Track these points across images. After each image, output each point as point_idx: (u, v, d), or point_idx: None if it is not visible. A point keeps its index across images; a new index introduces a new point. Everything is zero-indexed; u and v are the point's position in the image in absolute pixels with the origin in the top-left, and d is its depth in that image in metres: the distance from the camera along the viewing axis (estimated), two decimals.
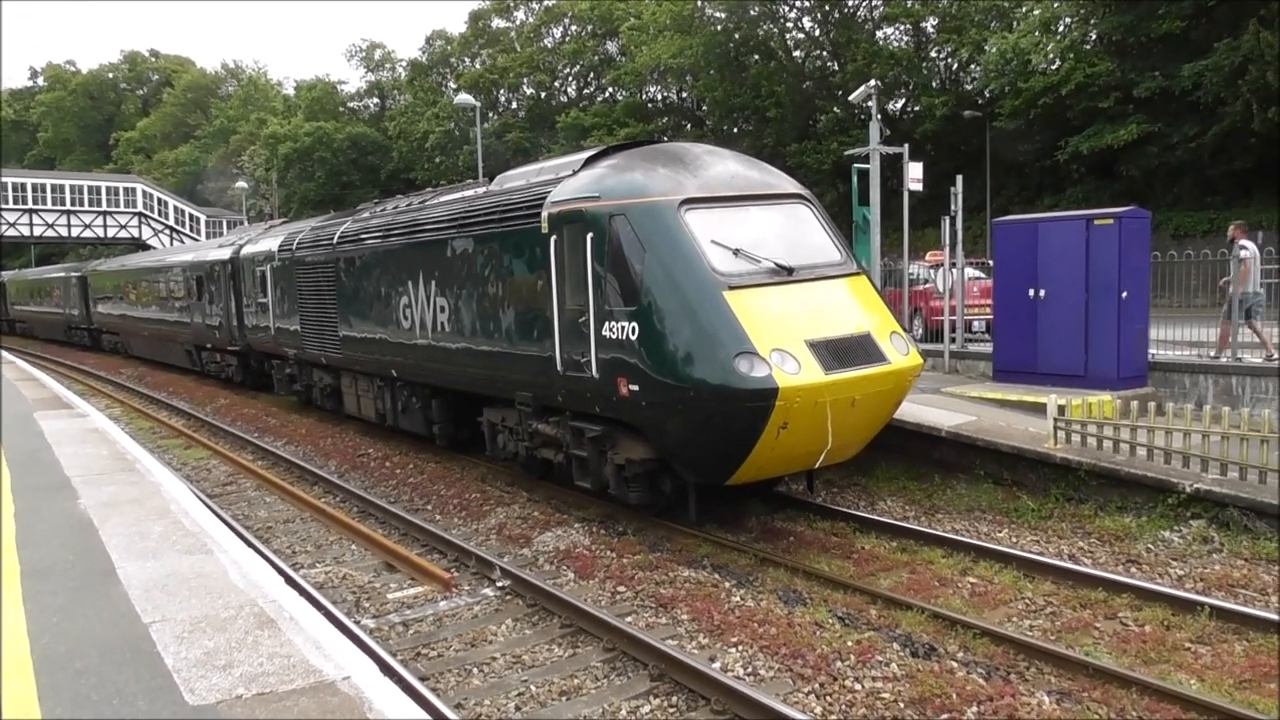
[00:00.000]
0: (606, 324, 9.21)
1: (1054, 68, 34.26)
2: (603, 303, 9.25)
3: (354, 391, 16.51)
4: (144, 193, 64.75)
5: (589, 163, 10.44)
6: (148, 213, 63.97)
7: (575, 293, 9.71)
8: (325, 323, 16.58)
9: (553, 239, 10.01)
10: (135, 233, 63.33)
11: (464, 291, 12.00)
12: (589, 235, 9.39)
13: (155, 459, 12.68)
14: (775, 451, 8.70)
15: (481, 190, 12.56)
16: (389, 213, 14.98)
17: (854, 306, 9.31)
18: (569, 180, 10.27)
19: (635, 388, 8.92)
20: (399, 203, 15.52)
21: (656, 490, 9.88)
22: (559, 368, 10.04)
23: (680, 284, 8.70)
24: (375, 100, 72.44)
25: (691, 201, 9.10)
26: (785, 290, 8.93)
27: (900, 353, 9.15)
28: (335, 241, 16.03)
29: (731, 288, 8.62)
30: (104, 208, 62.77)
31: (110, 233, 63.57)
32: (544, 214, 10.17)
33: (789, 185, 10.25)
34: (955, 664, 6.65)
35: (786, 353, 8.38)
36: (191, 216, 66.60)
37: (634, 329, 8.89)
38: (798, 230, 9.61)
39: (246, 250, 21.24)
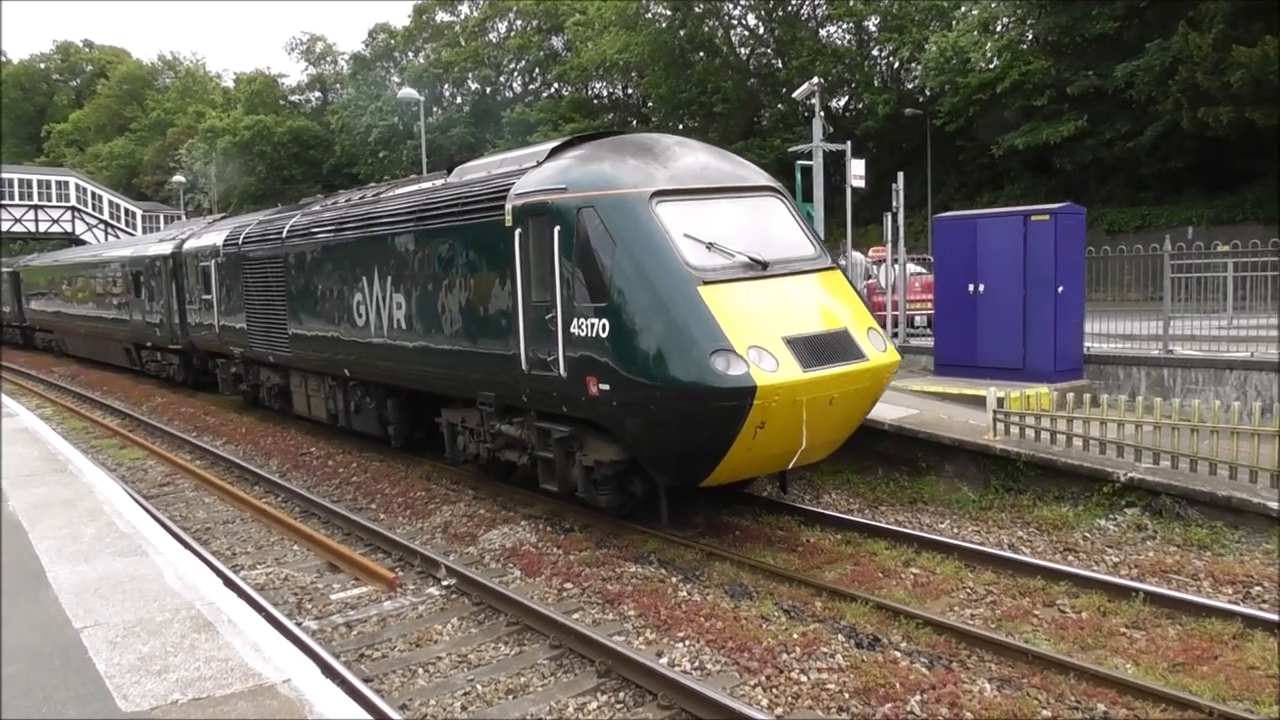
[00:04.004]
0: (575, 321, 8.88)
1: (991, 66, 34.89)
2: (571, 299, 8.93)
3: (304, 391, 15.99)
4: (77, 186, 62.99)
5: (554, 153, 10.07)
6: (81, 207, 62.21)
7: (541, 288, 9.35)
8: (274, 320, 16.08)
9: (517, 233, 9.65)
10: (68, 227, 61.56)
11: (422, 288, 11.56)
12: (556, 228, 9.05)
13: (88, 459, 12.37)
14: (752, 452, 8.45)
15: (440, 182, 12.12)
16: (341, 206, 14.47)
17: (830, 302, 9.07)
18: (533, 172, 9.89)
19: (605, 387, 8.61)
20: (352, 196, 15.05)
21: (626, 493, 9.57)
22: (524, 366, 9.68)
23: (653, 279, 8.39)
24: (317, 94, 71.46)
25: (662, 193, 8.78)
26: (760, 285, 8.65)
27: (878, 349, 8.95)
28: (284, 236, 15.51)
29: (706, 282, 8.32)
30: (35, 201, 60.89)
31: (42, 227, 61.68)
32: (507, 207, 9.81)
33: (760, 177, 9.99)
34: (899, 654, 6.72)
35: (764, 350, 8.12)
36: (127, 211, 64.95)
37: (604, 326, 8.57)
38: (770, 223, 9.36)
39: (189, 245, 20.59)
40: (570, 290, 8.95)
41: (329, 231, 14.15)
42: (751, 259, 8.72)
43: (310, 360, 15.22)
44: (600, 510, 9.92)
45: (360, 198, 14.34)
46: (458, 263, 10.88)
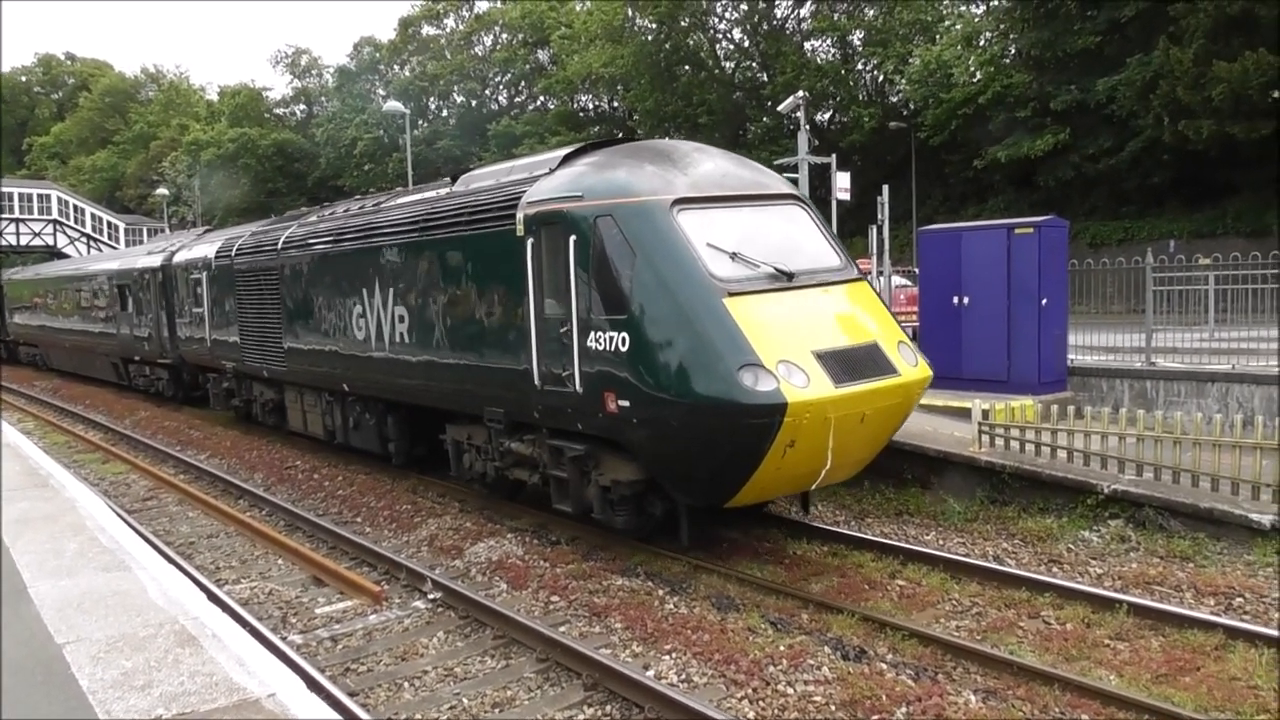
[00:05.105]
0: (592, 334, 8.54)
1: (974, 80, 35.18)
2: (587, 311, 8.58)
3: (299, 407, 15.55)
4: (59, 199, 62.52)
5: (566, 160, 9.73)
6: (63, 220, 61.82)
7: (555, 300, 9.02)
8: (268, 334, 15.66)
9: (529, 243, 9.29)
10: (50, 240, 61.19)
11: (427, 300, 11.18)
12: (571, 238, 8.71)
13: (70, 474, 12.26)
14: (780, 471, 8.11)
15: (444, 191, 11.72)
16: (340, 216, 14.10)
17: (859, 314, 8.77)
18: (546, 179, 9.55)
19: (625, 403, 8.25)
20: (350, 206, 14.66)
21: (644, 514, 9.21)
22: (536, 381, 9.32)
23: (675, 290, 8.04)
24: (302, 107, 71.40)
25: (683, 201, 8.45)
26: (787, 297, 8.33)
27: (909, 364, 8.62)
28: (280, 247, 15.05)
29: (731, 294, 7.96)
30: (16, 215, 60.47)
31: (23, 240, 61.26)
32: (519, 215, 9.44)
33: (782, 185, 9.71)
34: (885, 666, 6.74)
35: (793, 364, 7.76)
36: (110, 224, 64.43)
37: (624, 339, 8.22)
38: (794, 233, 9.04)
39: (180, 257, 20.29)
40: (587, 302, 8.61)
41: (327, 242, 13.72)
42: (777, 270, 8.39)
43: (307, 375, 14.80)
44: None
45: (359, 208, 13.91)
46: (465, 273, 10.51)
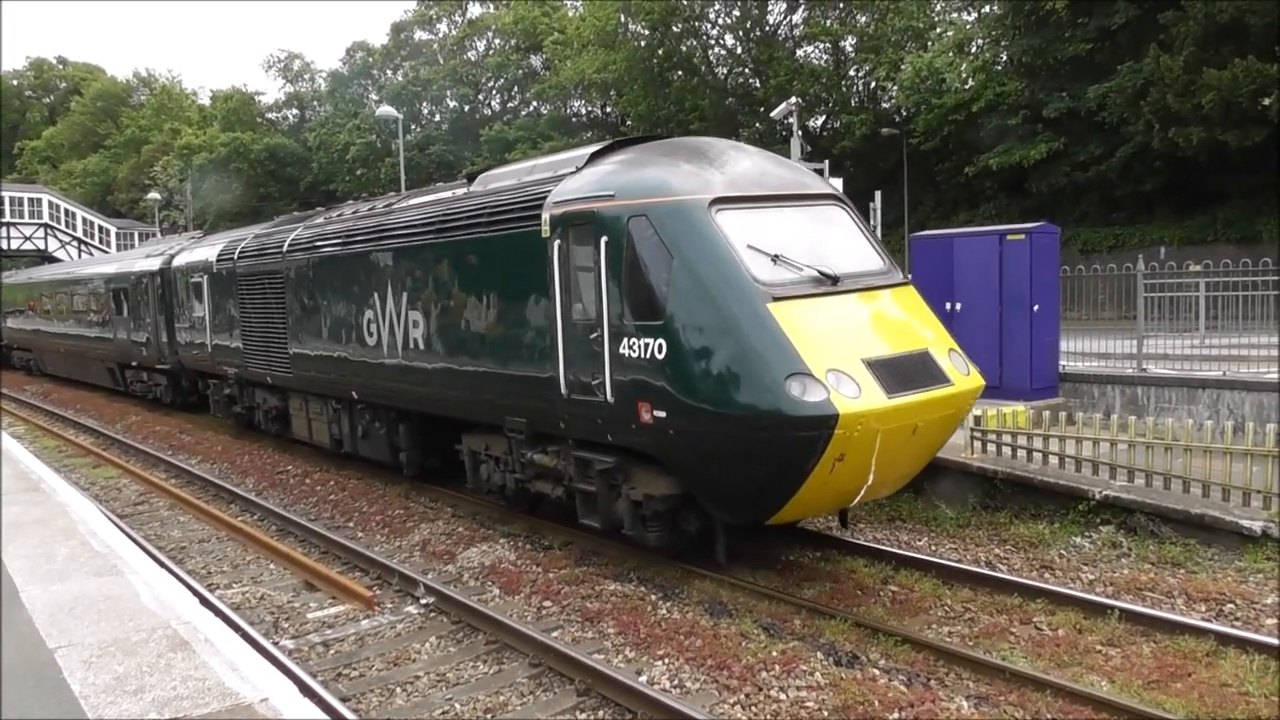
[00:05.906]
0: (625, 341, 8.13)
1: (966, 86, 35.31)
2: (619, 316, 8.19)
3: (305, 415, 15.06)
4: (50, 203, 62.41)
5: (594, 158, 9.37)
6: (54, 224, 61.70)
7: (584, 305, 8.63)
8: (272, 339, 15.23)
9: (555, 244, 8.90)
10: (41, 245, 61.03)
11: (443, 304, 10.77)
12: (602, 239, 8.33)
13: (61, 478, 12.24)
14: (827, 487, 7.69)
15: (462, 191, 11.33)
16: (349, 218, 13.68)
17: (908, 320, 8.40)
18: (572, 178, 9.17)
19: (661, 414, 7.86)
20: (359, 207, 14.30)
21: (678, 530, 8.82)
22: (563, 390, 8.91)
23: (716, 295, 7.66)
24: (294, 111, 71.29)
25: (722, 201, 8.04)
26: (832, 302, 7.92)
27: (961, 372, 8.22)
28: (285, 250, 14.65)
29: (775, 299, 7.57)
30: (7, 219, 60.33)
31: (14, 244, 61.15)
32: (544, 216, 9.04)
33: (821, 185, 9.41)
34: (877, 671, 6.75)
35: (843, 373, 7.34)
36: (101, 228, 64.39)
37: (660, 347, 7.83)
38: (836, 235, 8.65)
39: (179, 260, 19.95)
40: (619, 307, 8.22)
41: (336, 245, 13.30)
42: (821, 273, 7.98)
43: (313, 381, 14.35)
44: (581, 528, 9.70)
45: (369, 209, 13.51)
46: (485, 277, 10.12)
